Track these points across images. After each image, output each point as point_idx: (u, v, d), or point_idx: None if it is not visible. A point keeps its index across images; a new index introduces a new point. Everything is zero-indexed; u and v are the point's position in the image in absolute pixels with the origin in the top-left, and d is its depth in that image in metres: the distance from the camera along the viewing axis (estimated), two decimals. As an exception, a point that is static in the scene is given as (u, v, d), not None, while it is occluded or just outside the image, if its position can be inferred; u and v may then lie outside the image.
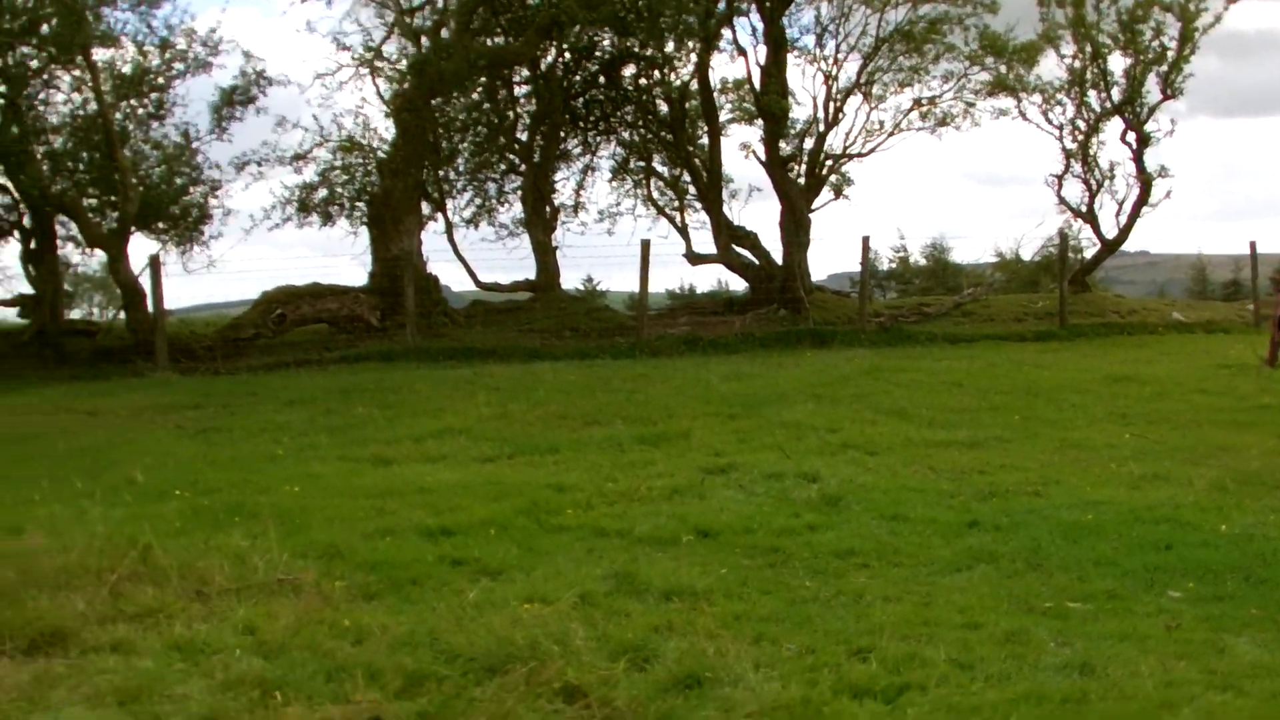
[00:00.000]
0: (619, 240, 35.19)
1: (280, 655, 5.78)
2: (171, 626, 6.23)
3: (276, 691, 5.31)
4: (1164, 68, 26.89)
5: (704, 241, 28.42)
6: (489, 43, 27.32)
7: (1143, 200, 27.42)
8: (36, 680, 5.57)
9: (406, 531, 8.36)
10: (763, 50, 26.48)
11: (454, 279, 33.54)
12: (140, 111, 25.69)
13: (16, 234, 26.23)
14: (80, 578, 6.79)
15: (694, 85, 27.47)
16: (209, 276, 27.56)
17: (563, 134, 29.28)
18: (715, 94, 27.72)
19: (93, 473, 10.32)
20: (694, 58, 27.03)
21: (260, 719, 5.09)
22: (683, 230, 29.30)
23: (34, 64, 23.91)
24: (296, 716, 5.03)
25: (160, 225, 26.50)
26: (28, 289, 26.01)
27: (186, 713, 5.15)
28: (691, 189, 28.68)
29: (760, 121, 27.01)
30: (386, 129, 27.88)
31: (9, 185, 24.69)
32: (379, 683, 5.42)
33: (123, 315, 25.36)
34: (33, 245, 25.77)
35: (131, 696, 5.33)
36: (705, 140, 28.16)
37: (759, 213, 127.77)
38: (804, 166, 26.93)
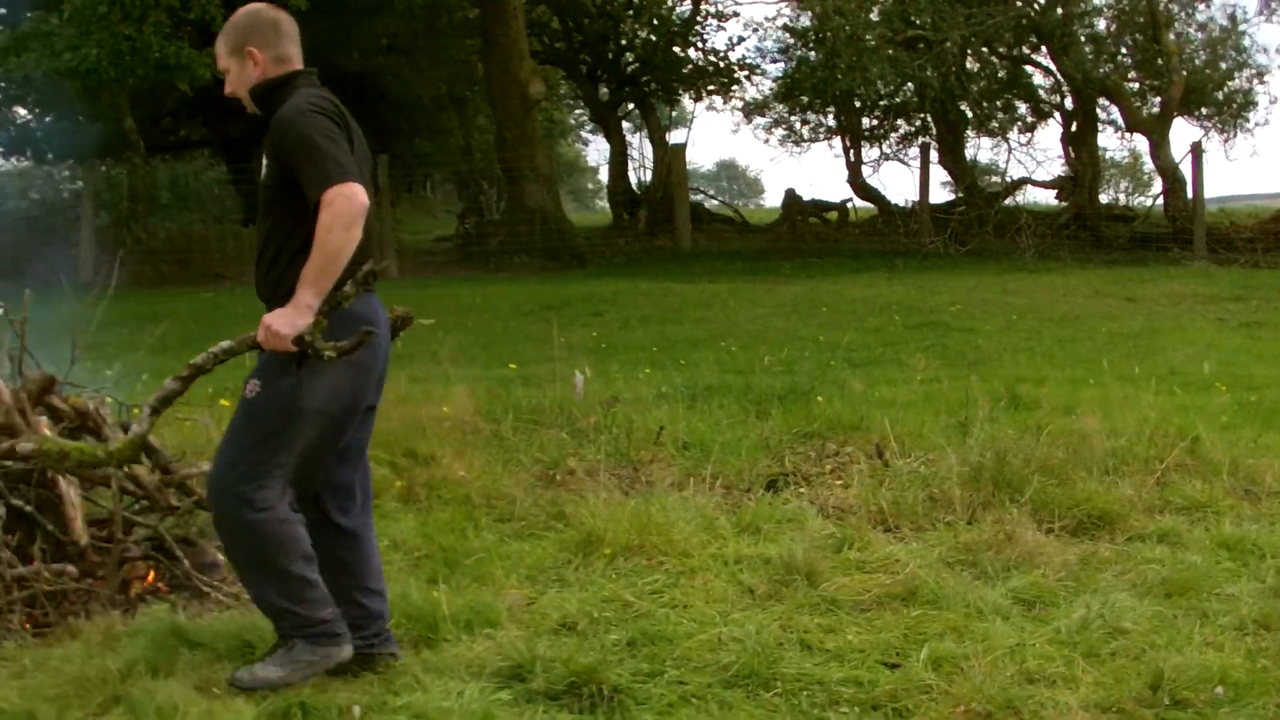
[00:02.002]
0: None
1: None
2: (1220, 523, 6.10)
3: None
4: None
5: None
6: None
7: None
8: (1083, 561, 5.68)
9: None
10: None
11: None
12: (1186, -6, 25.35)
13: (1058, 116, 27.10)
14: (1128, 464, 6.83)
15: None
16: (1249, 165, 26.93)
17: None
18: None
19: (1135, 358, 10.37)
20: None
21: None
22: None
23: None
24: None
25: (1202, 111, 26.14)
26: (1062, 172, 26.81)
27: (1236, 614, 4.98)
28: None
29: None
30: None
31: (1052, 68, 25.47)
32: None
33: (1158, 202, 25.26)
34: (1073, 128, 26.49)
35: (1178, 589, 5.26)
36: None
37: None
38: None
